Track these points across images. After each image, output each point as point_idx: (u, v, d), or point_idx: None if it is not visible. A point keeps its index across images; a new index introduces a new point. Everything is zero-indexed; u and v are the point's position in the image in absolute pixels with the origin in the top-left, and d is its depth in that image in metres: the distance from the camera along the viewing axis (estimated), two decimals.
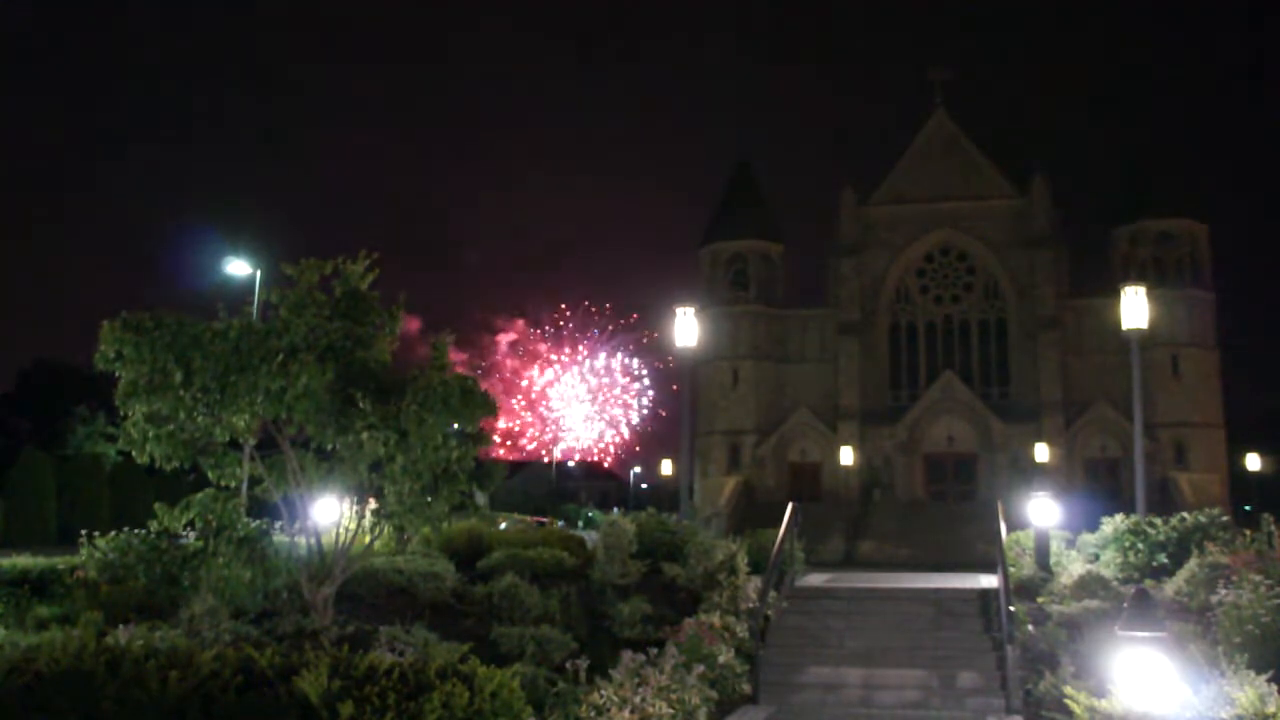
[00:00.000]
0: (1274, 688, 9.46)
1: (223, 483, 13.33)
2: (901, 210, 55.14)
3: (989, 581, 16.58)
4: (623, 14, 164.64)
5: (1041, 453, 49.88)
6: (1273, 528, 15.07)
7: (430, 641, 11.86)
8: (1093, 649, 11.63)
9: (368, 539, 13.66)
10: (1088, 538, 18.10)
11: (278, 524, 14.54)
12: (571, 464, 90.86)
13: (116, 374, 12.43)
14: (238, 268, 26.79)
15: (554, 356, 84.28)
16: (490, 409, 13.23)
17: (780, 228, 58.08)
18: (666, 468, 74.37)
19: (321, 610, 12.99)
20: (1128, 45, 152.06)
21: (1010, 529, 18.24)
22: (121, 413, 12.64)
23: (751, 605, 14.38)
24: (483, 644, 12.38)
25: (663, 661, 11.23)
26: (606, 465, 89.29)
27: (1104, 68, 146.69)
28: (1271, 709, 9.15)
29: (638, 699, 10.07)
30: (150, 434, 12.49)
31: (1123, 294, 22.25)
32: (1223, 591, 12.90)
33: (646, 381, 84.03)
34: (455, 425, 12.90)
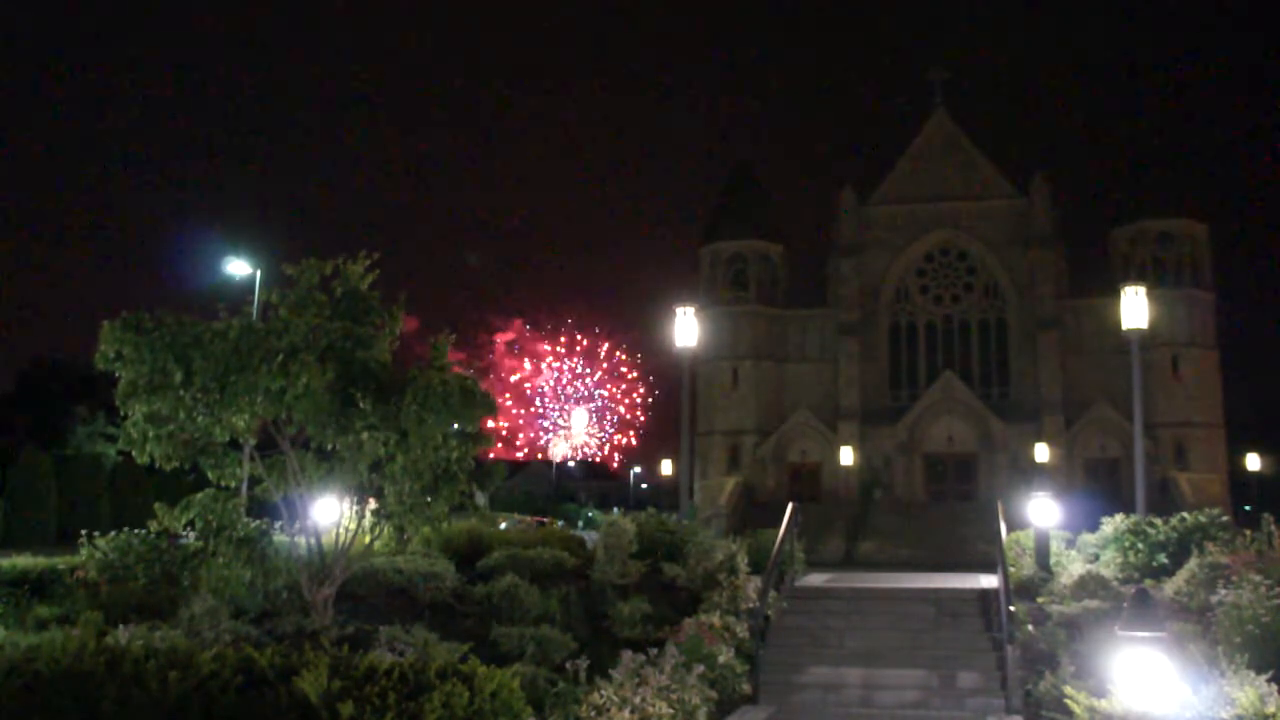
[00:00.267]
0: (1274, 688, 9.46)
1: (223, 483, 13.33)
2: (901, 210, 55.15)
3: (989, 581, 16.58)
4: (623, 13, 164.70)
5: (1041, 453, 49.88)
6: (1273, 528, 15.06)
7: (430, 641, 11.85)
8: (1093, 649, 11.63)
9: (368, 539, 13.66)
10: (1088, 538, 18.09)
11: (278, 524, 14.55)
12: (571, 464, 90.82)
13: (116, 374, 12.43)
14: (238, 268, 26.80)
15: (552, 356, 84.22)
16: (490, 409, 13.24)
17: (780, 228, 58.05)
18: (666, 468, 74.43)
19: (321, 610, 12.99)
20: (1128, 45, 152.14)
21: (1010, 529, 18.23)
22: (121, 413, 12.65)
23: (751, 605, 14.38)
24: (483, 644, 12.38)
25: (663, 661, 11.22)
26: (600, 460, 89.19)
27: (1104, 67, 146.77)
28: (1271, 709, 9.14)
29: (638, 699, 10.07)
30: (150, 434, 12.49)
31: (1123, 294, 22.25)
32: (1223, 591, 12.89)
33: (643, 380, 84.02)
34: (455, 425, 12.91)
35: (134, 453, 12.71)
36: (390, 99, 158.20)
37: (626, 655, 11.03)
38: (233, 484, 13.59)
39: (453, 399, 12.43)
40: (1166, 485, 46.57)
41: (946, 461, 52.67)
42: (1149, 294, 22.54)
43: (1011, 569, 15.38)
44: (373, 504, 13.60)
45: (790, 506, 17.88)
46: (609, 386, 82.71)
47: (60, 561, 15.95)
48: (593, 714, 9.85)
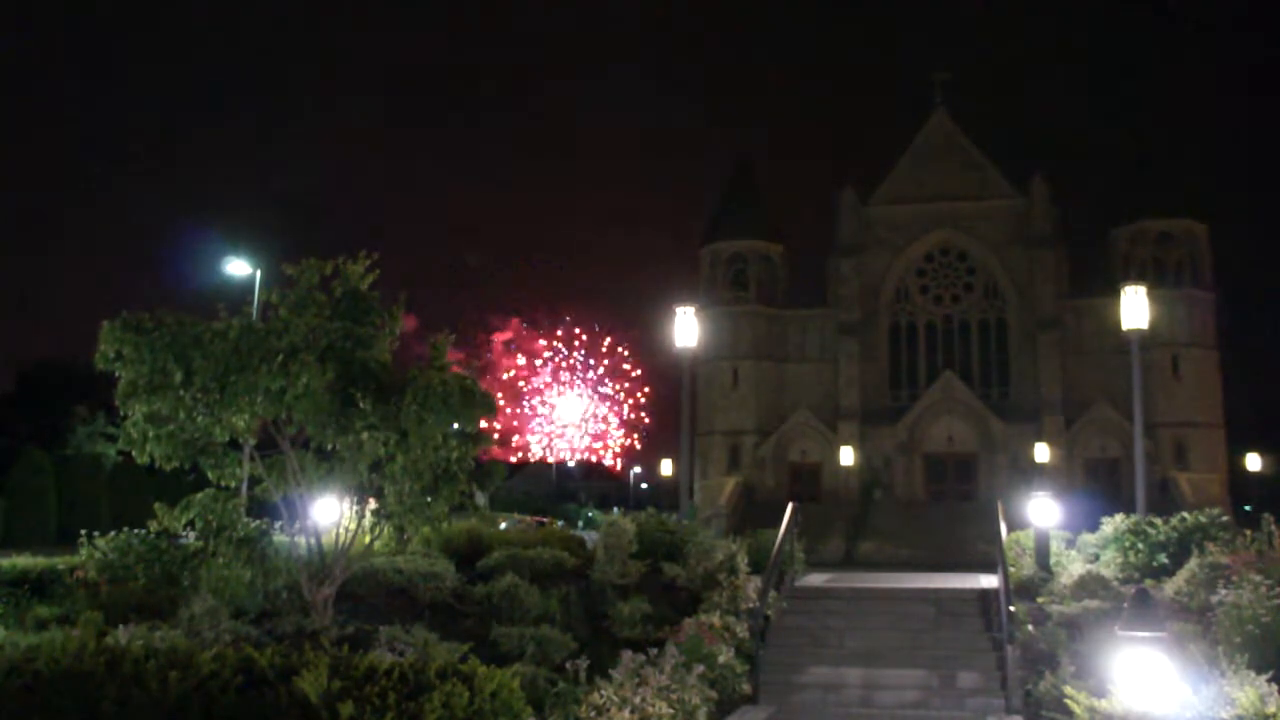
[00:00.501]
0: (1274, 688, 9.45)
1: (223, 483, 13.33)
2: (901, 210, 55.16)
3: (989, 581, 16.57)
4: (623, 13, 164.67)
5: (1041, 453, 49.88)
6: (1273, 528, 15.04)
7: (430, 641, 11.85)
8: (1093, 649, 11.62)
9: (368, 539, 13.66)
10: (1088, 538, 18.08)
11: (278, 524, 14.54)
12: (571, 464, 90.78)
13: (116, 374, 12.43)
14: (238, 268, 26.80)
15: (549, 355, 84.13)
16: (490, 409, 13.23)
17: (780, 228, 58.09)
18: (666, 468, 74.38)
19: (321, 610, 12.99)
20: (1128, 45, 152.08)
21: (1010, 529, 18.22)
22: (121, 413, 12.64)
23: (751, 605, 14.37)
24: (483, 644, 12.38)
25: (663, 661, 11.22)
26: (597, 459, 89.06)
27: (1104, 68, 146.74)
28: (1271, 709, 9.14)
29: (638, 699, 10.07)
30: (150, 434, 12.49)
31: (1123, 294, 22.23)
32: (1223, 591, 12.89)
33: (644, 380, 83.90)
34: (455, 425, 12.91)
35: (134, 453, 12.70)
36: (390, 99, 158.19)
37: (626, 655, 11.03)
38: (233, 484, 13.58)
39: (452, 399, 12.43)
40: (1166, 485, 46.58)
41: (946, 461, 52.67)
42: (1149, 294, 22.51)
43: (1011, 569, 15.37)
44: (373, 504, 13.59)
45: (790, 506, 17.87)
46: (610, 382, 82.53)
47: (60, 561, 15.94)
48: (593, 714, 9.84)
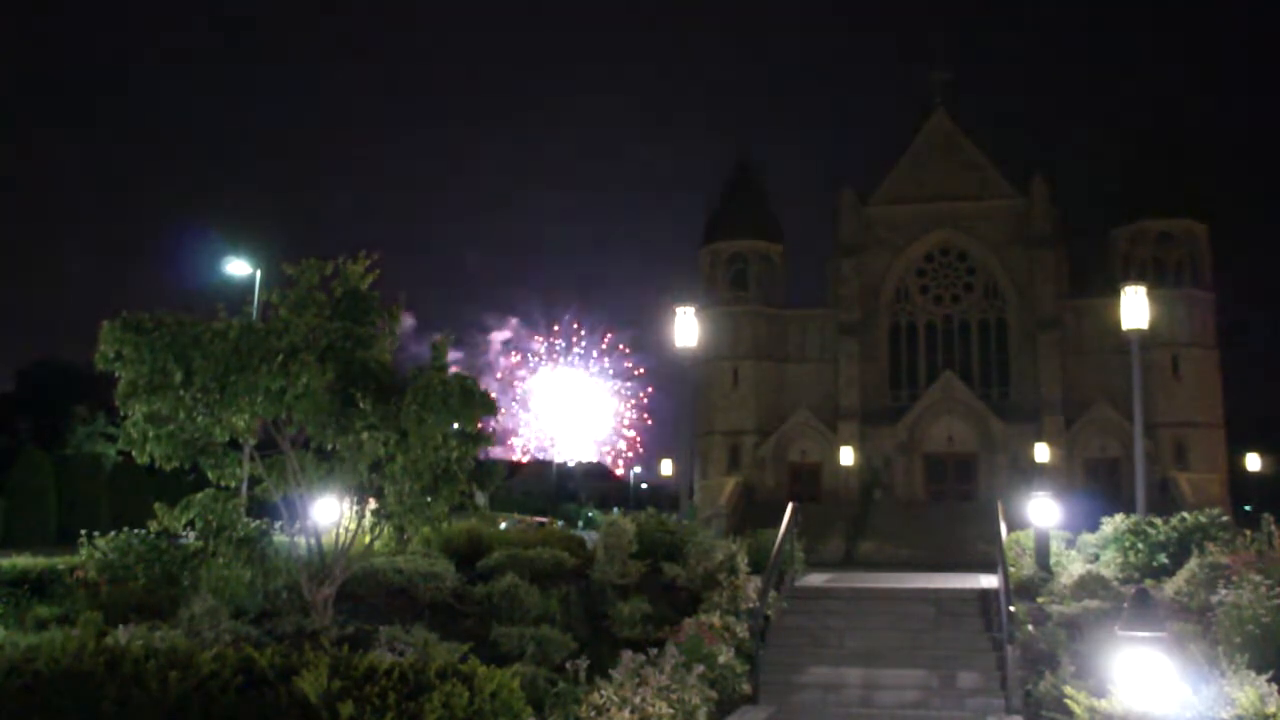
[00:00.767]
0: (1274, 688, 9.45)
1: (223, 483, 13.33)
2: (901, 210, 55.14)
3: (989, 581, 16.57)
4: (623, 13, 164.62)
5: (1041, 453, 49.86)
6: (1273, 528, 15.03)
7: (430, 641, 11.85)
8: (1093, 649, 11.62)
9: (368, 539, 13.65)
10: (1088, 538, 18.08)
11: (278, 524, 14.54)
12: (571, 464, 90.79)
13: (116, 374, 12.42)
14: (238, 268, 26.79)
15: (550, 355, 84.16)
16: (490, 409, 13.23)
17: (780, 228, 58.06)
18: (666, 468, 74.34)
19: (321, 610, 12.98)
20: (1128, 44, 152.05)
21: (1010, 529, 18.22)
22: (121, 413, 12.64)
23: (751, 605, 14.37)
24: (483, 644, 12.38)
25: (663, 661, 11.21)
26: (596, 460, 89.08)
27: (1104, 68, 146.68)
28: (1271, 709, 9.14)
29: (638, 699, 10.06)
30: (150, 434, 12.49)
31: (1123, 294, 22.21)
32: (1223, 591, 12.88)
33: (645, 380, 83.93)
34: (455, 425, 12.90)
35: (134, 453, 12.70)
36: (390, 98, 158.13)
37: (626, 655, 11.03)
38: (233, 484, 13.58)
39: (452, 399, 12.42)
40: (1166, 485, 46.56)
41: (946, 461, 52.66)
42: (1149, 294, 22.49)
43: (1011, 569, 15.36)
44: (373, 504, 13.59)
45: (790, 506, 17.87)
46: (613, 379, 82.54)
47: (60, 561, 15.94)
48: (593, 714, 9.84)
